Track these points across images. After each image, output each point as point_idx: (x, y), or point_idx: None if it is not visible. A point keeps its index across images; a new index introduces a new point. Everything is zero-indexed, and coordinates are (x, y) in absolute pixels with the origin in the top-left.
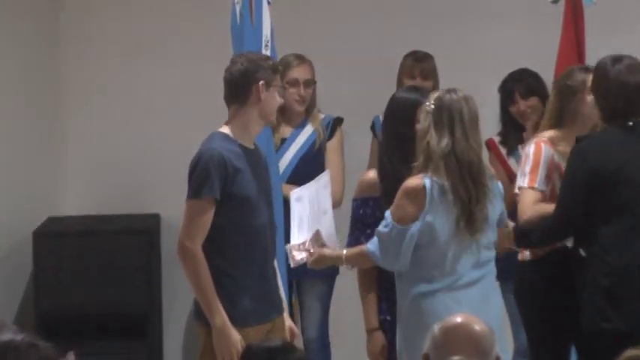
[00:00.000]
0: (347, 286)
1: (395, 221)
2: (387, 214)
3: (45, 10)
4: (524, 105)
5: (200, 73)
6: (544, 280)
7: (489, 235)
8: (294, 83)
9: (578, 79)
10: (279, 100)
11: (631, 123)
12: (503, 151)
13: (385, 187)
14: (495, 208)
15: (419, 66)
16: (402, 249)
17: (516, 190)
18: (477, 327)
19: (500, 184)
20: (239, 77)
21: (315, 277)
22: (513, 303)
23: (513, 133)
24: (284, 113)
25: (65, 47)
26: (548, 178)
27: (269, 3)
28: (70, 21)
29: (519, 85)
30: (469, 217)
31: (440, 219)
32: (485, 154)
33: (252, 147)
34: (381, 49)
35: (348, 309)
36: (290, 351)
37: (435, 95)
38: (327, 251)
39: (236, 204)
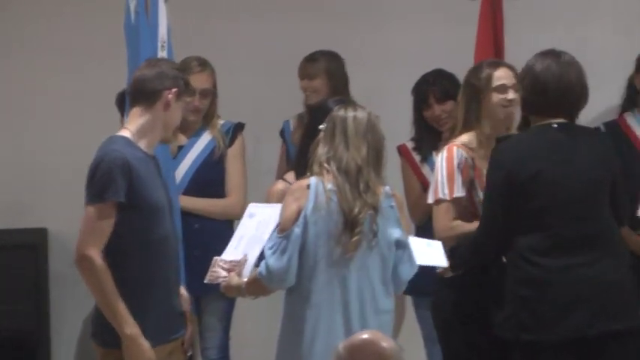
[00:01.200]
0: (248, 303)
1: (278, 233)
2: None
3: None
4: (439, 109)
5: (86, 80)
6: (464, 295)
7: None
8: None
9: (483, 76)
10: (179, 117)
11: (556, 125)
12: (416, 157)
13: None
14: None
15: (306, 66)
16: (289, 256)
17: (430, 201)
18: (385, 344)
19: (395, 207)
20: (153, 77)
21: (217, 294)
22: (429, 320)
23: (427, 139)
24: None
25: None
26: (465, 184)
27: (165, 0)
28: None
29: (434, 88)
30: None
31: (322, 221)
32: (397, 162)
33: (152, 154)
34: (289, 50)
35: (250, 327)
36: None
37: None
38: (235, 280)
39: (139, 212)
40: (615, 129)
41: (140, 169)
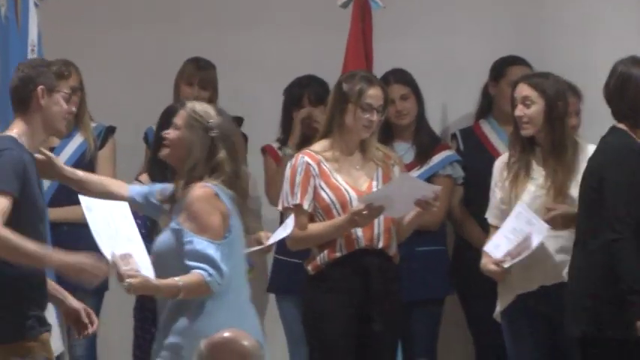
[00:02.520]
0: (115, 301)
1: (215, 239)
2: (194, 237)
3: None
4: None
5: None
6: (325, 292)
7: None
8: None
9: (356, 89)
10: (64, 107)
11: None
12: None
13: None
14: None
15: (199, 74)
16: (231, 262)
17: (279, 209)
18: (246, 342)
19: None
20: (19, 84)
21: (84, 291)
22: (296, 318)
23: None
24: None
25: None
26: (309, 190)
27: (36, 5)
28: None
29: (309, 90)
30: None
31: (237, 224)
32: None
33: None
34: (162, 56)
35: (117, 325)
36: None
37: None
38: (154, 279)
39: (24, 213)
40: (470, 135)
41: (29, 170)
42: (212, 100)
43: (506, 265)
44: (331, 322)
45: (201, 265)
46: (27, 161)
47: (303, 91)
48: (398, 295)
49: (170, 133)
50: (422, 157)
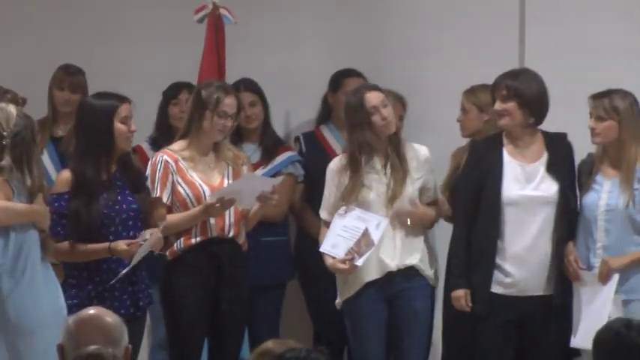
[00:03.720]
0: None
1: None
2: None
3: None
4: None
5: None
6: (181, 276)
7: None
8: None
9: (214, 97)
10: None
11: None
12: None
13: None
14: None
15: (68, 79)
16: None
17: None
18: (109, 318)
19: None
20: None
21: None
22: (156, 300)
23: (168, 139)
24: None
25: None
26: (167, 185)
27: None
28: None
29: (185, 90)
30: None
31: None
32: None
33: None
34: (34, 63)
35: None
36: None
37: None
38: None
39: None
40: (312, 139)
41: None
42: None
43: (359, 263)
44: (186, 302)
45: None
46: None
47: (181, 89)
48: (245, 279)
49: None
50: (267, 157)
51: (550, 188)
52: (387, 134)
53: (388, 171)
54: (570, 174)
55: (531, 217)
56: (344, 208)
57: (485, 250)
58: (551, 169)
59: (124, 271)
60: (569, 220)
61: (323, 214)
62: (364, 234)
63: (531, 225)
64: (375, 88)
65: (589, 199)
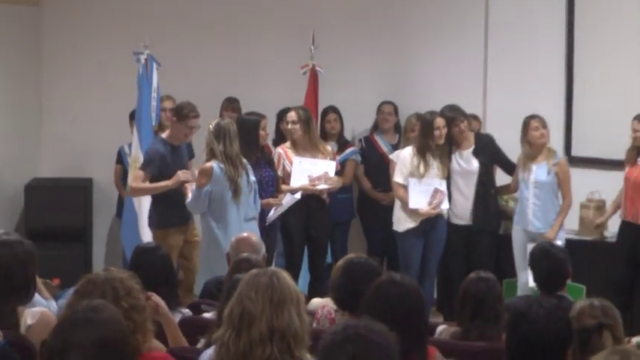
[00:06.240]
0: None
1: (197, 187)
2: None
3: None
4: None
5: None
6: (289, 216)
7: (250, 201)
8: None
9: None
10: None
11: None
12: None
13: None
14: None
15: (231, 105)
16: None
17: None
18: (254, 238)
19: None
20: None
21: None
22: None
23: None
24: None
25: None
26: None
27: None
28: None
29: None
30: (236, 188)
31: (218, 186)
32: None
33: None
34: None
35: None
36: None
37: (213, 122)
38: None
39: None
40: (368, 140)
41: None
42: None
43: (444, 207)
44: (292, 230)
45: None
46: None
47: (288, 111)
48: (326, 217)
49: None
50: (340, 150)
51: None
52: (440, 143)
53: (437, 160)
54: None
55: None
56: (413, 179)
57: None
58: None
59: (275, 215)
60: None
61: (399, 179)
62: (434, 192)
63: None
64: (440, 115)
65: None
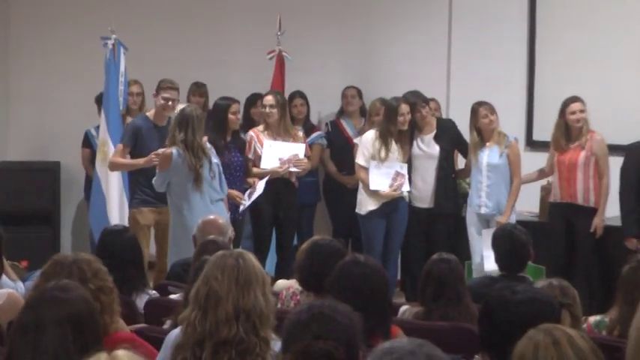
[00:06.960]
0: None
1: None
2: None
3: None
4: None
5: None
6: (258, 200)
7: (215, 185)
8: None
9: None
10: None
11: None
12: None
13: None
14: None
15: (198, 90)
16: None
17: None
18: (221, 220)
19: None
20: None
21: None
22: None
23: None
24: None
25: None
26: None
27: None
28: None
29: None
30: (197, 177)
31: (178, 173)
32: None
33: None
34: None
35: None
36: None
37: (180, 106)
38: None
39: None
40: (334, 125)
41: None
42: None
43: (405, 190)
44: (261, 213)
45: None
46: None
47: (258, 98)
48: (295, 200)
49: None
50: (307, 134)
51: None
52: (403, 129)
53: (399, 145)
54: None
55: None
56: (374, 162)
57: None
58: None
59: (247, 203)
60: None
61: (361, 161)
62: (397, 174)
63: None
64: (405, 101)
65: None
